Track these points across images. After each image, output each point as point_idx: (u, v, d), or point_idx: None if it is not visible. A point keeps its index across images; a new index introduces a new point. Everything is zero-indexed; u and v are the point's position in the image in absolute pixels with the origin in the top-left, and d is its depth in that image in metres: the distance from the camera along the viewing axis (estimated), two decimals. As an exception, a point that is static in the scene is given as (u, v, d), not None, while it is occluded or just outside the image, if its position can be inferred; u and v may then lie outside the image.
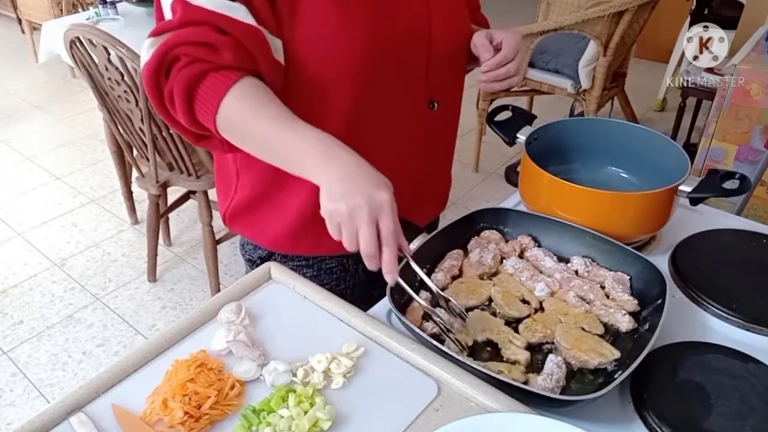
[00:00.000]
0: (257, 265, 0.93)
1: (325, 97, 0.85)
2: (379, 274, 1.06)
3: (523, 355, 0.76)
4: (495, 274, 0.91)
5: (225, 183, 1.03)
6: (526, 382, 0.73)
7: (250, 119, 0.76)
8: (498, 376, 0.70)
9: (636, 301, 0.84)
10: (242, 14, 0.77)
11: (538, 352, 0.79)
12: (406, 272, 0.86)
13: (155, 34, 0.78)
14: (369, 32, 0.83)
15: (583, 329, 0.80)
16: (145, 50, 0.79)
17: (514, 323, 0.83)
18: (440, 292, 0.81)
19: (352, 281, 1.08)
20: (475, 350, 0.80)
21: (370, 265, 0.72)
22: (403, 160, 0.97)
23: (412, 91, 0.93)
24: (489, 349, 0.80)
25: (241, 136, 0.79)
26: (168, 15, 0.79)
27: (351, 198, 0.68)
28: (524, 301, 0.86)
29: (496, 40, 0.94)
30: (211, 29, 0.76)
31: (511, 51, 0.92)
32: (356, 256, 1.08)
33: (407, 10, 0.87)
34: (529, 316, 0.83)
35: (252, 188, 0.98)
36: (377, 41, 0.84)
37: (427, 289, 0.88)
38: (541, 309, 0.85)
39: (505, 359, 0.77)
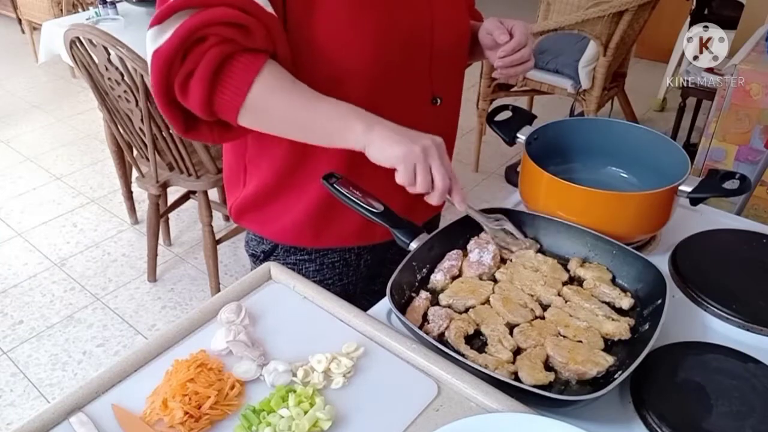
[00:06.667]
0: (261, 260, 0.93)
1: (334, 94, 0.85)
2: (380, 268, 1.06)
3: (506, 356, 0.76)
4: (495, 279, 0.90)
5: (233, 178, 1.04)
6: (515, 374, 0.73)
7: (283, 100, 0.78)
8: (499, 376, 0.70)
9: (631, 300, 0.84)
10: (263, 1, 0.78)
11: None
12: (406, 273, 0.86)
13: (162, 17, 0.75)
14: (376, 28, 0.85)
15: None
16: (155, 35, 0.75)
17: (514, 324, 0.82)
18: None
19: (354, 276, 1.09)
20: (470, 338, 0.80)
21: (439, 200, 0.78)
22: None
23: (416, 86, 0.94)
24: (483, 338, 0.80)
25: (270, 117, 0.80)
26: None
27: (419, 140, 0.75)
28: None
29: (507, 26, 0.96)
30: (238, 10, 0.75)
31: (524, 36, 0.95)
32: (358, 250, 1.08)
33: (411, 6, 0.89)
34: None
35: (259, 183, 0.98)
36: (384, 37, 0.86)
37: (427, 288, 0.88)
38: (543, 311, 0.85)
39: (489, 354, 0.77)
